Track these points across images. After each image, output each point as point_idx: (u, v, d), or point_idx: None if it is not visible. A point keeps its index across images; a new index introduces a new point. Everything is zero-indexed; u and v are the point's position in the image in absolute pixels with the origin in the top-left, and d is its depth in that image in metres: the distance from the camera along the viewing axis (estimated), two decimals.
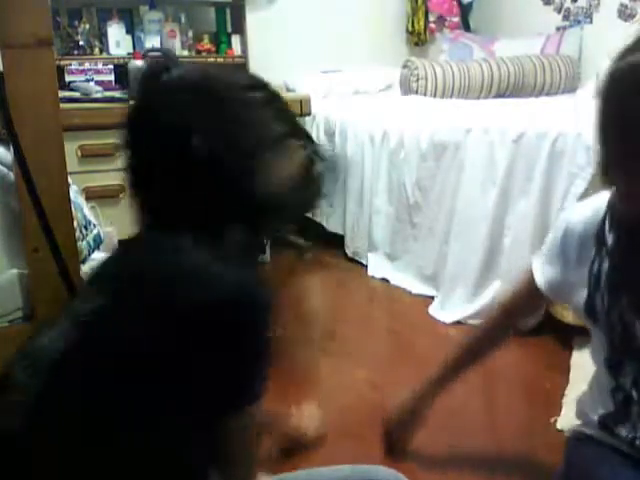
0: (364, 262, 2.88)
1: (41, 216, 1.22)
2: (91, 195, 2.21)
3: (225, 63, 3.40)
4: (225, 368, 0.67)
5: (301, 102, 2.93)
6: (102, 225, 1.73)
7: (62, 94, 2.18)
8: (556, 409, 1.61)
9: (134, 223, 0.75)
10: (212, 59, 3.36)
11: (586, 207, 1.00)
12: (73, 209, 1.37)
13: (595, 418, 0.97)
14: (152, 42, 3.23)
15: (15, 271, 1.34)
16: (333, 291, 2.83)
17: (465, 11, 4.22)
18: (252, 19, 3.50)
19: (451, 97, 3.30)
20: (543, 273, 1.08)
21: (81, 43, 3.08)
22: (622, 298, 0.91)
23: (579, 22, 3.65)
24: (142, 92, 0.75)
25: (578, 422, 1.06)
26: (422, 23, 4.08)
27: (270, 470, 0.93)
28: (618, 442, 0.94)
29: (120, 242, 0.83)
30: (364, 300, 2.63)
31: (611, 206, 0.92)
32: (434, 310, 2.35)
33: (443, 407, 1.61)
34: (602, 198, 0.95)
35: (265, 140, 0.72)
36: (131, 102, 0.78)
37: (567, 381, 1.75)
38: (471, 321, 2.24)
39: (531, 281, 1.10)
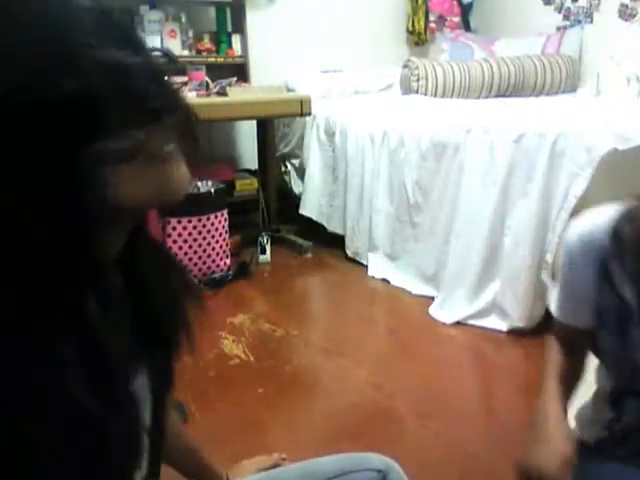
0: (364, 262, 2.88)
1: None
2: None
3: (226, 63, 3.41)
4: None
5: (301, 102, 2.93)
6: None
7: None
8: None
9: None
10: (212, 59, 3.36)
11: (586, 225, 0.86)
12: None
13: (591, 439, 0.95)
14: (152, 42, 3.24)
15: None
16: (333, 291, 2.83)
17: (465, 11, 4.22)
18: (252, 19, 3.50)
19: (451, 97, 3.30)
20: (557, 305, 0.94)
21: None
22: (631, 335, 0.82)
23: (579, 22, 3.65)
24: None
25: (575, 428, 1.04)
26: (422, 23, 4.09)
27: None
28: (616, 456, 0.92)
29: None
30: (364, 300, 2.63)
31: (617, 232, 0.80)
32: (434, 310, 2.35)
33: (443, 407, 1.62)
34: (604, 213, 0.83)
35: None
36: None
37: None
38: (471, 321, 2.24)
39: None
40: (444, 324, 2.26)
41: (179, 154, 0.53)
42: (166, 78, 0.54)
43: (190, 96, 2.79)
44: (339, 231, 3.10)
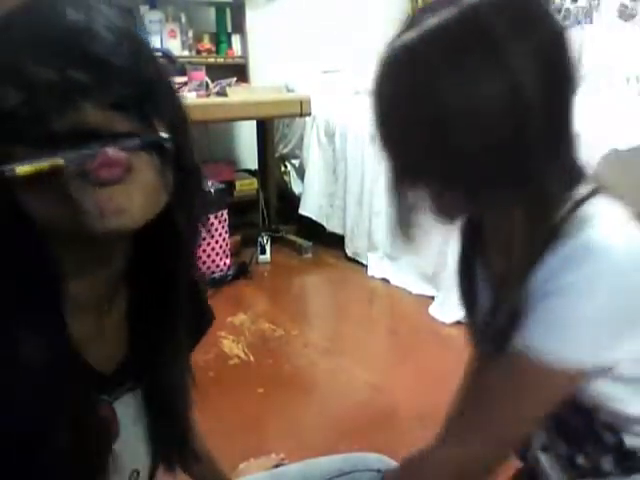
0: (364, 262, 2.88)
1: None
2: None
3: (225, 63, 3.41)
4: None
5: (301, 102, 2.93)
6: None
7: None
8: None
9: None
10: (212, 59, 3.36)
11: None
12: None
13: None
14: (152, 42, 3.23)
15: None
16: (333, 291, 2.83)
17: None
18: (252, 19, 3.50)
19: None
20: None
21: None
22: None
23: (579, 22, 3.65)
24: None
25: None
26: None
27: None
28: None
29: None
30: (364, 300, 2.63)
31: None
32: (434, 310, 2.35)
33: (443, 407, 1.61)
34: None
35: None
36: None
37: None
38: None
39: None
40: (444, 324, 2.26)
41: (115, 181, 0.49)
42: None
43: (190, 96, 2.79)
44: (339, 231, 3.10)
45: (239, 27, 3.48)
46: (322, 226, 3.19)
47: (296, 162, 3.47)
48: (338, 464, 0.92)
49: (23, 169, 0.46)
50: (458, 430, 0.75)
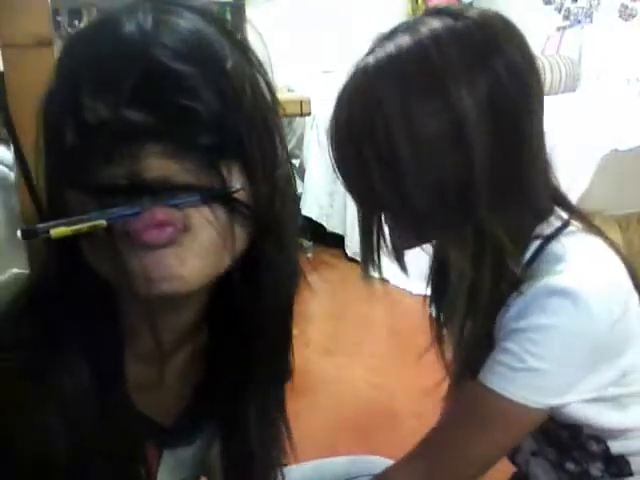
0: None
1: (42, 216, 1.22)
2: None
3: None
4: None
5: (301, 103, 2.93)
6: None
7: None
8: None
9: None
10: None
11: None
12: None
13: None
14: None
15: (15, 271, 1.35)
16: (333, 291, 2.83)
17: None
18: (252, 18, 3.50)
19: None
20: None
21: None
22: None
23: (579, 22, 3.65)
24: None
25: None
26: None
27: None
28: None
29: None
30: (364, 300, 2.63)
31: None
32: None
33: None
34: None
35: None
36: None
37: None
38: None
39: None
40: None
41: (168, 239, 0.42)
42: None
43: None
44: (339, 231, 3.10)
45: (239, 27, 3.48)
46: (322, 226, 3.19)
47: (296, 162, 3.47)
48: (345, 467, 0.91)
49: (57, 231, 0.40)
50: (423, 448, 0.77)
